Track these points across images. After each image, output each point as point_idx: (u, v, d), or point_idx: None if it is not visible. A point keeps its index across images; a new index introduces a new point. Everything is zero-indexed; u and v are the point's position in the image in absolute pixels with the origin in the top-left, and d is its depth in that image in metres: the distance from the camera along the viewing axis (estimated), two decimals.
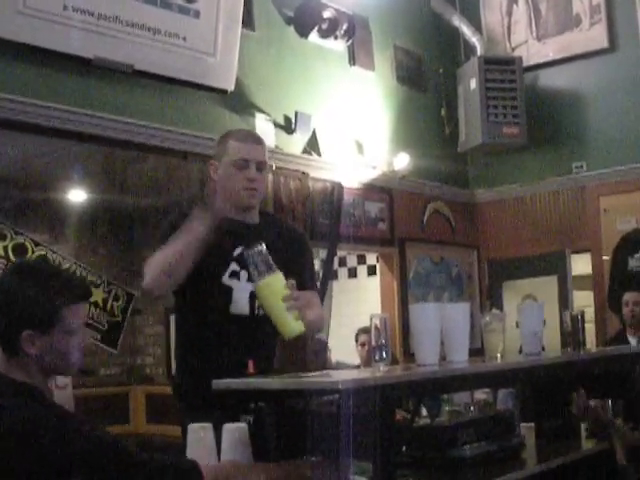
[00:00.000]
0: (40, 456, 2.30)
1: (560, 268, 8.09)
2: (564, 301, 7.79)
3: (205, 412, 2.87)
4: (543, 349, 5.23)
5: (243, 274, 3.28)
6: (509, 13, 8.61)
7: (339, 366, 7.39)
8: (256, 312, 3.29)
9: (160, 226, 3.47)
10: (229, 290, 3.29)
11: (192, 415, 2.99)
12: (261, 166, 3.35)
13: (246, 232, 3.30)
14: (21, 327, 2.46)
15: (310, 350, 6.66)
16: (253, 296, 3.24)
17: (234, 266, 3.30)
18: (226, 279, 3.30)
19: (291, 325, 2.97)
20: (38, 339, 2.48)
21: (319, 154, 7.02)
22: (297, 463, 2.56)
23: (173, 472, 2.43)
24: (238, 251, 3.26)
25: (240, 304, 3.30)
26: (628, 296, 6.31)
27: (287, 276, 2.99)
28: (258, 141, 3.43)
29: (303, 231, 4.06)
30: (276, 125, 6.75)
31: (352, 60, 7.57)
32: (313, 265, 3.68)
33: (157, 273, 3.19)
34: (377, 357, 2.91)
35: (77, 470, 2.32)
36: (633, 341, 6.18)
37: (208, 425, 2.67)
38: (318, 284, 6.48)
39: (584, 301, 8.03)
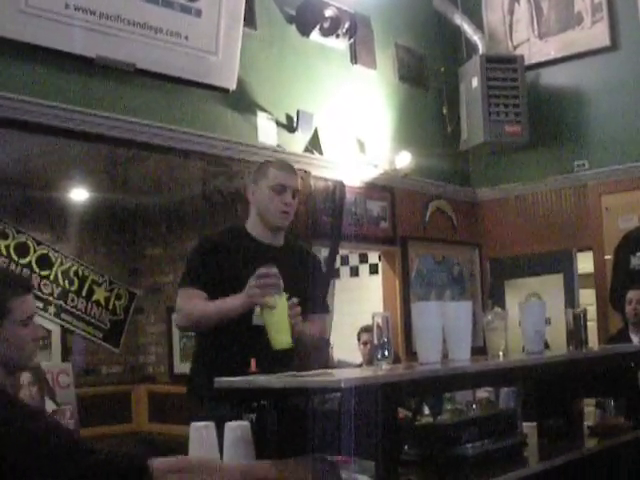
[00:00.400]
0: None
1: (566, 266, 8.09)
2: (570, 299, 7.79)
3: (217, 408, 3.06)
4: (548, 347, 5.25)
5: None
6: (511, 11, 8.61)
7: (340, 365, 7.40)
8: None
9: (190, 258, 3.90)
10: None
11: (204, 411, 3.21)
12: (295, 193, 3.84)
13: (272, 253, 3.76)
14: None
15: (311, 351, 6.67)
16: None
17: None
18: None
19: (279, 339, 3.39)
20: None
21: (321, 153, 7.03)
22: (274, 463, 2.56)
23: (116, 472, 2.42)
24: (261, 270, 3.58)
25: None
26: (632, 294, 6.31)
27: (300, 296, 3.51)
28: (294, 171, 3.93)
29: (319, 257, 4.62)
30: (278, 124, 6.75)
31: (354, 59, 7.57)
32: (327, 288, 4.34)
33: (192, 322, 3.74)
34: (379, 356, 2.92)
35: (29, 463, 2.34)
36: (635, 339, 6.18)
37: (210, 423, 2.67)
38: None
39: (587, 299, 8.03)
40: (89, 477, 2.35)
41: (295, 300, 3.46)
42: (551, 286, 8.07)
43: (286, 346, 3.42)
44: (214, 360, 3.70)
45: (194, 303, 3.68)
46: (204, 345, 3.86)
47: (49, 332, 8.74)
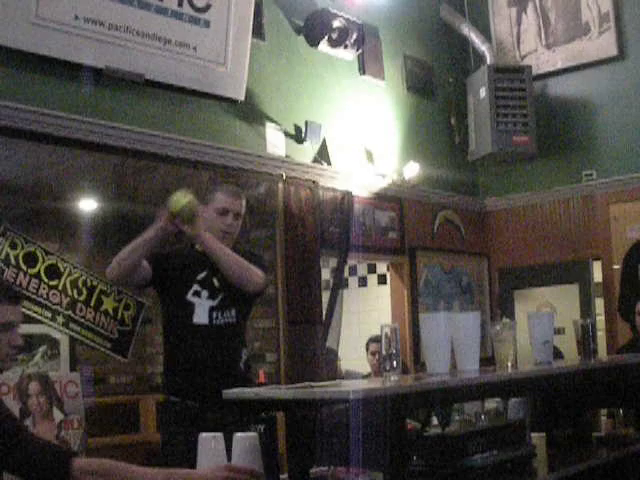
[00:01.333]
0: None
1: (582, 276, 8.06)
2: (586, 309, 7.76)
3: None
4: (562, 357, 5.24)
5: (204, 293, 4.19)
6: (518, 22, 8.62)
7: (348, 375, 7.39)
8: (214, 322, 4.15)
9: None
10: (191, 305, 4.17)
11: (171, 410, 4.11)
12: (237, 216, 4.29)
13: (210, 261, 4.16)
14: None
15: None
16: (212, 310, 4.16)
17: (196, 287, 4.19)
18: (190, 296, 4.18)
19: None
20: None
21: (329, 163, 7.03)
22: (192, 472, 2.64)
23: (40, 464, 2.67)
24: (202, 275, 4.19)
25: (201, 316, 4.16)
26: None
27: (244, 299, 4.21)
28: (239, 196, 4.35)
29: (260, 253, 5.10)
30: (286, 134, 6.76)
31: (362, 69, 7.58)
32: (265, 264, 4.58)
33: (117, 263, 4.29)
34: (387, 367, 2.92)
35: None
36: None
37: (219, 435, 2.68)
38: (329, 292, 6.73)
39: (595, 309, 8.01)
40: (16, 464, 2.64)
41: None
42: (565, 296, 8.05)
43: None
44: (172, 362, 4.26)
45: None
46: (165, 348, 4.38)
47: (57, 342, 8.75)
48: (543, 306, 7.96)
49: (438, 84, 8.48)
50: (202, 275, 4.20)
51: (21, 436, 2.72)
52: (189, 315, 4.15)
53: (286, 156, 6.69)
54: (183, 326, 4.18)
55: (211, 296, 4.18)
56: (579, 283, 8.08)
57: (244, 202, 4.37)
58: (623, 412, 3.97)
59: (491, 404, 3.60)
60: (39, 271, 8.69)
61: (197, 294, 4.20)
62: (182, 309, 4.19)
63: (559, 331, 6.39)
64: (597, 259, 8.07)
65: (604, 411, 4.17)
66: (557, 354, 5.60)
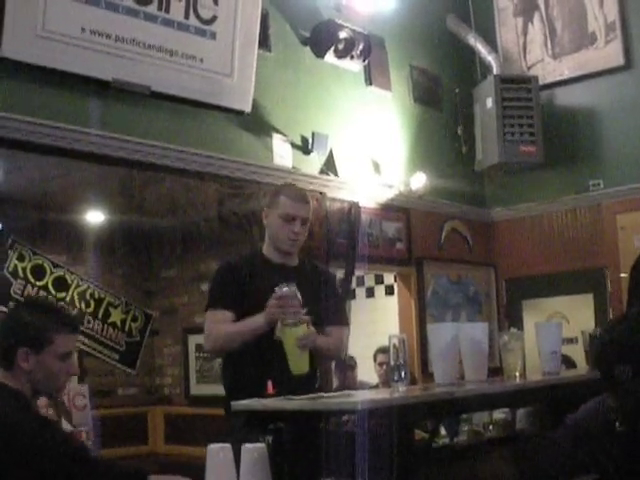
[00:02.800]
0: (20, 455, 2.84)
1: (597, 286, 8.03)
2: (602, 319, 7.71)
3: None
4: (575, 367, 5.22)
5: None
6: (524, 32, 8.63)
7: (361, 385, 7.39)
8: None
9: (214, 281, 4.25)
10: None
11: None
12: (305, 221, 4.13)
13: (287, 272, 4.04)
14: (18, 345, 3.03)
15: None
16: None
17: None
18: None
19: (297, 365, 3.69)
20: (31, 357, 3.05)
21: (336, 174, 7.03)
22: None
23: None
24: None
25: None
26: None
27: (315, 311, 3.88)
28: (305, 199, 4.20)
29: (334, 273, 4.82)
30: (293, 146, 6.76)
31: (368, 80, 7.59)
32: (343, 303, 4.56)
33: (220, 345, 4.03)
34: (396, 377, 2.92)
35: (52, 469, 2.87)
36: None
37: (227, 446, 2.67)
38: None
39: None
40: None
41: (313, 329, 3.82)
42: (578, 306, 8.02)
43: (303, 372, 3.70)
44: (240, 378, 3.96)
45: (220, 327, 3.98)
46: (238, 366, 4.03)
47: None
48: (554, 316, 7.94)
49: (444, 94, 8.48)
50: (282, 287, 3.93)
51: (95, 463, 2.97)
52: (271, 331, 3.87)
53: (293, 167, 6.69)
54: (263, 343, 3.89)
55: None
56: (594, 293, 8.05)
57: (311, 206, 4.27)
58: None
59: (499, 414, 3.59)
60: (47, 283, 8.72)
61: None
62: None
63: (571, 341, 6.37)
64: (605, 268, 8.05)
65: None
66: (570, 364, 5.59)
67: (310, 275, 4.20)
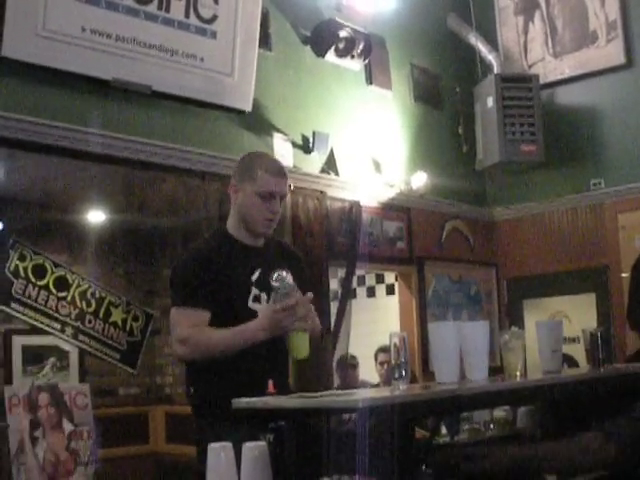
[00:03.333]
0: None
1: (599, 285, 8.03)
2: (605, 319, 7.71)
3: (228, 429, 3.02)
4: (577, 366, 5.22)
5: (263, 296, 3.56)
6: (525, 30, 8.63)
7: (363, 384, 7.40)
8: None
9: (184, 273, 3.64)
10: (254, 314, 3.49)
11: (213, 433, 3.16)
12: (283, 198, 3.66)
13: (256, 255, 3.62)
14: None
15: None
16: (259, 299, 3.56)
17: (255, 291, 3.56)
18: (251, 304, 3.54)
19: (300, 350, 3.41)
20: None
21: (337, 173, 7.04)
22: None
23: None
24: (255, 276, 3.56)
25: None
26: None
27: None
28: (284, 175, 3.67)
29: (299, 251, 4.22)
30: (294, 145, 6.77)
31: (369, 79, 7.59)
32: (308, 282, 3.89)
33: (200, 352, 3.44)
34: (396, 376, 2.92)
35: None
36: None
37: (228, 444, 2.67)
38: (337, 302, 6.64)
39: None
40: None
41: (310, 295, 3.46)
42: (580, 305, 8.03)
43: (305, 356, 3.43)
44: (224, 380, 3.46)
45: (203, 332, 3.45)
46: (212, 365, 3.50)
47: (66, 353, 8.77)
48: (555, 315, 7.94)
49: (445, 93, 8.49)
50: (256, 275, 3.58)
51: None
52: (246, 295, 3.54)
53: (294, 166, 6.69)
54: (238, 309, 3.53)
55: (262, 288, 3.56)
56: (596, 292, 8.05)
57: (289, 180, 3.77)
58: None
59: (500, 413, 3.59)
60: (48, 283, 8.72)
61: (257, 299, 3.57)
62: (244, 320, 3.47)
63: (573, 340, 6.38)
64: (606, 268, 8.05)
65: None
66: (573, 363, 5.60)
67: (279, 256, 3.72)
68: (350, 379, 7.35)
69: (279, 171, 3.65)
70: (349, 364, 7.16)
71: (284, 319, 3.33)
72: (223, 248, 3.59)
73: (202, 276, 3.50)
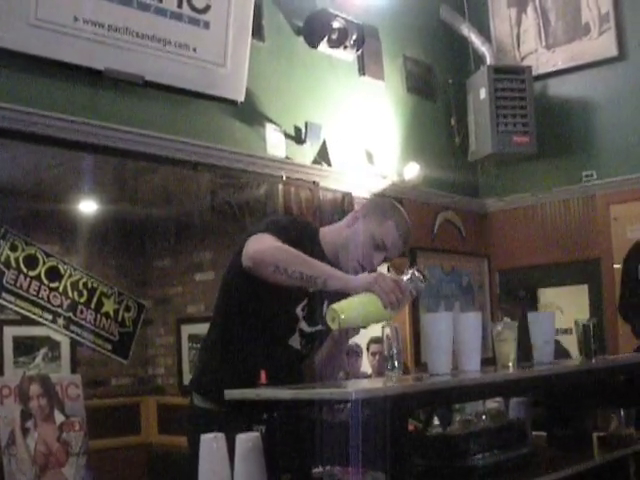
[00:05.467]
0: None
1: (592, 277, 8.05)
2: (596, 310, 7.74)
3: (221, 420, 3.01)
4: (570, 357, 5.24)
5: (305, 314, 3.34)
6: (518, 22, 8.63)
7: (364, 375, 7.38)
8: (302, 352, 3.39)
9: (276, 220, 3.40)
10: (297, 321, 3.34)
11: (206, 423, 3.10)
12: (387, 261, 3.40)
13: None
14: None
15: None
16: (303, 334, 3.36)
17: (306, 301, 3.32)
18: (298, 310, 3.33)
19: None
20: None
21: (329, 164, 7.03)
22: None
23: None
24: (304, 302, 3.31)
25: (297, 338, 3.37)
26: None
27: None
28: (406, 241, 3.43)
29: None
30: (286, 135, 6.75)
31: (362, 70, 7.58)
32: None
33: (261, 256, 3.02)
34: (389, 367, 2.92)
35: None
36: None
37: (220, 435, 2.67)
38: None
39: None
40: None
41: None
42: (573, 297, 8.04)
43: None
44: (238, 375, 3.24)
45: (277, 243, 3.08)
46: (229, 354, 3.34)
47: (58, 344, 8.76)
48: (548, 307, 7.95)
49: (438, 85, 8.49)
50: (305, 301, 3.33)
51: None
52: (289, 333, 3.35)
53: (286, 157, 6.69)
54: (277, 342, 3.35)
55: (310, 321, 3.36)
56: (588, 283, 8.07)
57: (403, 247, 3.44)
58: (624, 412, 3.97)
59: (492, 404, 3.59)
60: (40, 273, 8.71)
61: (303, 309, 3.35)
62: (284, 323, 3.33)
63: (566, 332, 6.39)
64: (598, 259, 8.07)
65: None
66: (566, 355, 5.61)
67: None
68: (352, 368, 7.32)
69: (405, 233, 3.40)
70: (353, 352, 7.12)
71: (389, 289, 2.88)
72: (307, 247, 3.16)
73: (290, 240, 3.12)
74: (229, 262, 3.39)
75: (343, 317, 2.85)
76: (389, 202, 3.59)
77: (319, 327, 3.36)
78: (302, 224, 3.58)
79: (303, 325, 3.36)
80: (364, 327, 3.11)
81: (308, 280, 2.96)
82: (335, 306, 2.87)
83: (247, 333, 3.32)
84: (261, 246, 3.06)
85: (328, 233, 3.42)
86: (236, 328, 3.34)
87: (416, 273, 3.01)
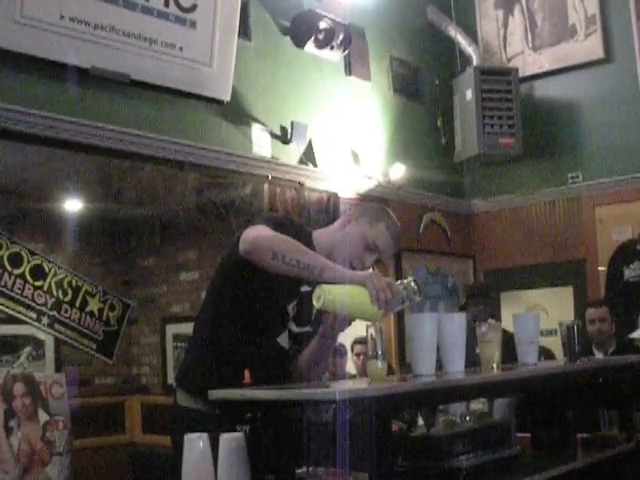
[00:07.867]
0: None
1: (577, 278, 8.06)
2: (580, 311, 7.75)
3: (204, 420, 3.04)
4: (554, 358, 5.25)
5: (292, 326, 3.38)
6: (505, 24, 8.64)
7: (348, 375, 7.37)
8: (290, 351, 3.38)
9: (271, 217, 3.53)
10: (288, 318, 3.36)
11: (190, 423, 3.14)
12: (377, 263, 3.41)
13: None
14: None
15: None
16: (291, 334, 3.37)
17: (296, 301, 3.36)
18: (290, 308, 3.35)
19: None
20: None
21: (315, 164, 7.03)
22: None
23: None
24: (304, 288, 3.30)
25: (286, 336, 3.37)
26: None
27: None
28: (397, 244, 3.48)
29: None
30: (272, 135, 6.75)
31: (348, 70, 7.58)
32: None
33: (258, 243, 3.06)
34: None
35: None
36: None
37: (204, 435, 2.67)
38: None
39: None
40: None
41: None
42: (558, 298, 8.05)
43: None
44: (222, 369, 3.28)
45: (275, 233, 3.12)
46: (216, 348, 3.33)
47: (42, 343, 8.73)
48: (533, 308, 7.96)
49: (424, 85, 8.49)
50: (306, 287, 3.34)
51: None
52: (282, 328, 3.37)
53: (272, 157, 6.68)
54: (266, 339, 3.35)
55: (298, 321, 3.40)
56: (573, 285, 8.08)
57: (393, 251, 3.49)
58: (608, 414, 3.98)
59: (476, 405, 3.60)
60: (24, 272, 8.68)
61: (293, 309, 3.40)
62: (274, 320, 3.35)
63: (551, 333, 6.40)
64: (583, 261, 8.09)
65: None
66: (550, 356, 5.62)
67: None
68: (337, 368, 7.31)
69: (396, 237, 3.45)
70: (337, 351, 7.11)
71: (380, 287, 2.91)
72: (304, 243, 3.16)
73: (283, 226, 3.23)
74: (222, 255, 3.43)
75: (329, 297, 2.86)
76: (380, 206, 3.67)
77: (307, 329, 3.40)
78: (297, 225, 3.59)
79: (291, 325, 3.38)
80: (350, 322, 3.20)
81: (305, 269, 2.97)
82: (324, 286, 2.89)
83: (238, 328, 3.32)
84: (261, 233, 3.12)
85: (320, 235, 3.45)
86: (227, 323, 3.33)
87: (412, 284, 3.02)
